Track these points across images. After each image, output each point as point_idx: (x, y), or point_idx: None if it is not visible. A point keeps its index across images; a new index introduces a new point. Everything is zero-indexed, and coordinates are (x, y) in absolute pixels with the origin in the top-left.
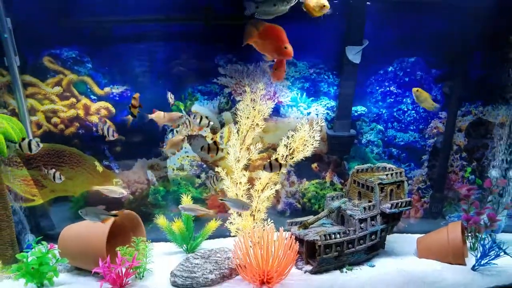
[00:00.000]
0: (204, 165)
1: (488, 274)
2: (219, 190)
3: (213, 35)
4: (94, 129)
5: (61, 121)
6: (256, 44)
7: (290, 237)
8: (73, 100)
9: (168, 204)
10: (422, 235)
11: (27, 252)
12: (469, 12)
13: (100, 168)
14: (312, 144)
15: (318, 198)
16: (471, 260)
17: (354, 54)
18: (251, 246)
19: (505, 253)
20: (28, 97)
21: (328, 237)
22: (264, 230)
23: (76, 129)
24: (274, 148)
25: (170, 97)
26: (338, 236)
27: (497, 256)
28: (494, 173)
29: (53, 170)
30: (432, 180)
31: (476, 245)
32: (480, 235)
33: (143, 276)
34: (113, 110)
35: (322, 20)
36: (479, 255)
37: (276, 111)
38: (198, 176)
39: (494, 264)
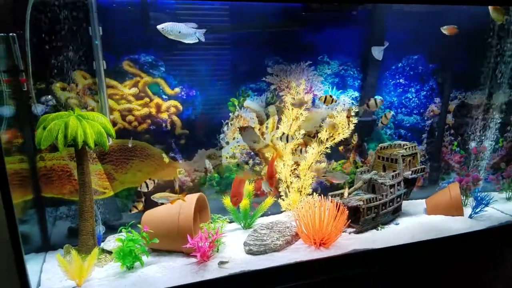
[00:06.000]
0: (252, 153)
1: (481, 219)
2: (263, 174)
3: (264, 40)
4: (164, 125)
5: (135, 119)
6: None
7: (339, 205)
8: (147, 99)
9: (221, 189)
10: (425, 199)
11: (99, 242)
12: (455, 21)
13: (166, 159)
14: (349, 128)
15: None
16: (465, 212)
17: (378, 53)
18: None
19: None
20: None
21: (369, 201)
22: (316, 202)
23: (148, 126)
24: (309, 135)
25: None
26: (375, 200)
27: (486, 205)
28: (473, 144)
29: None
30: (430, 154)
31: (466, 201)
32: (469, 192)
33: (218, 249)
34: (180, 107)
35: (350, 27)
36: (474, 206)
37: (311, 103)
38: (247, 163)
39: (485, 211)
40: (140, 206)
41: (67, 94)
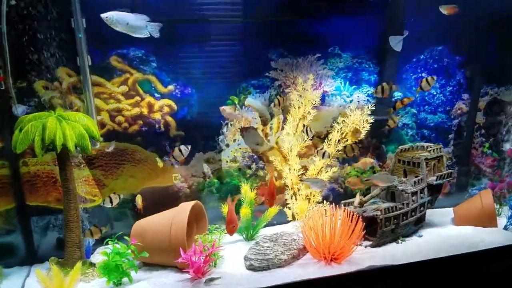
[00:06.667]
0: (255, 156)
1: None
2: (268, 179)
3: (267, 31)
4: (157, 126)
5: (125, 120)
6: None
7: (353, 215)
8: (137, 98)
9: (221, 196)
10: (453, 207)
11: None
12: (485, 6)
13: (160, 164)
14: (364, 127)
15: None
16: (499, 222)
17: (396, 43)
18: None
19: None
20: (94, 97)
21: (388, 211)
22: (327, 211)
23: (139, 127)
24: (318, 136)
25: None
26: (395, 209)
27: None
28: (507, 146)
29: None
30: (457, 157)
31: (500, 210)
32: (504, 200)
33: (216, 264)
34: (175, 107)
35: (365, 14)
36: (509, 215)
37: (321, 101)
38: (249, 167)
39: None
40: (97, 234)
41: (51, 93)
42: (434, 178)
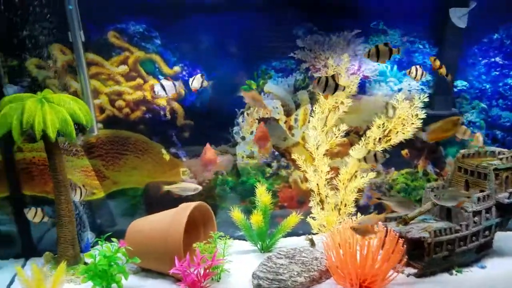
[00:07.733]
0: (276, 153)
1: None
2: (292, 181)
3: (292, 0)
4: (162, 113)
5: (126, 104)
6: None
7: (392, 235)
8: (139, 80)
9: (236, 196)
10: None
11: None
12: None
13: (167, 156)
14: (413, 124)
15: (409, 191)
16: None
17: (459, 17)
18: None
19: None
20: (91, 78)
21: (440, 233)
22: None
23: (142, 113)
24: (356, 132)
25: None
26: (450, 232)
27: None
28: None
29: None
30: None
31: None
32: None
33: (219, 278)
34: (182, 91)
35: None
36: None
37: (360, 88)
38: (269, 165)
39: None
40: (39, 217)
41: (44, 73)
42: (506, 194)
